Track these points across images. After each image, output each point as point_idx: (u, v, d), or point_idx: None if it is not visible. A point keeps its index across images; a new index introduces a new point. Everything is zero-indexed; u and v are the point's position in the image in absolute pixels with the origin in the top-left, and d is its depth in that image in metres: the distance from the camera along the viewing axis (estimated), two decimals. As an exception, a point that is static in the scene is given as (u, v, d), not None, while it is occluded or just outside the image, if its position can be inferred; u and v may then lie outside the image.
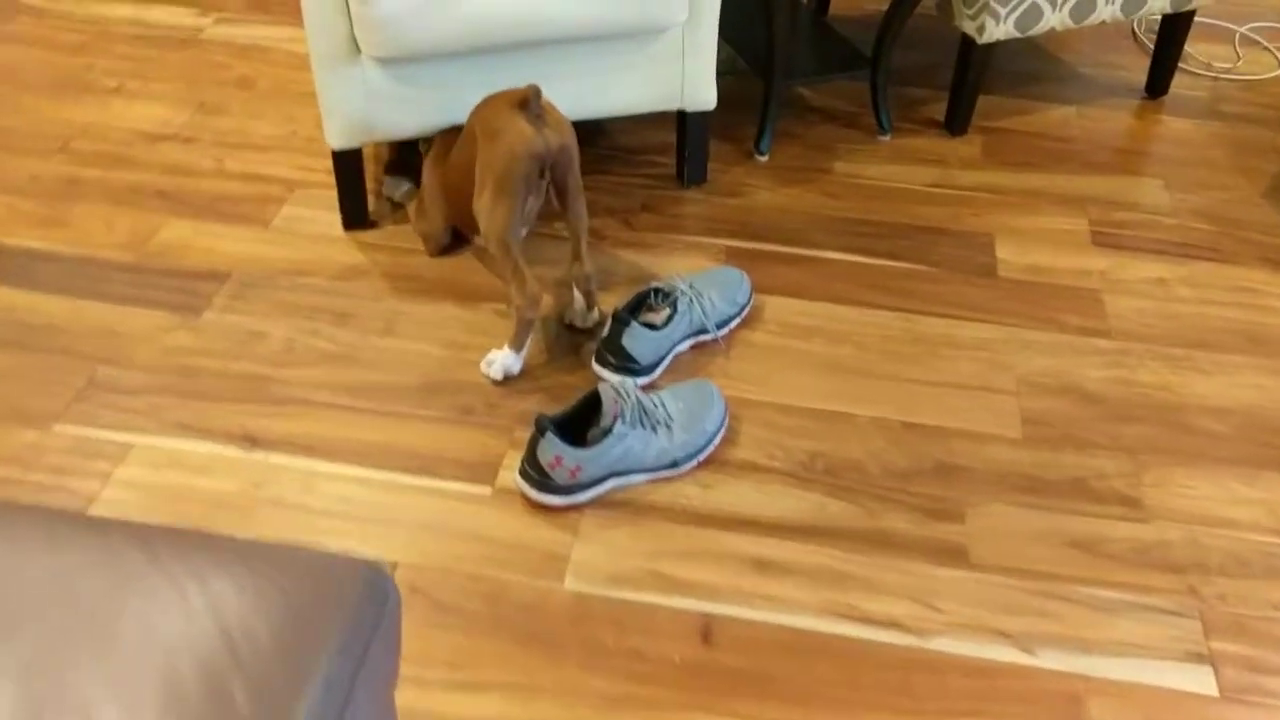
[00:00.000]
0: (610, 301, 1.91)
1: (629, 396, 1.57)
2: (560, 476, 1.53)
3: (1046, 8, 2.20)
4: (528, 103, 1.65)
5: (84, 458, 1.61)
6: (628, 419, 1.55)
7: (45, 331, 1.81)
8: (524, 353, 1.75)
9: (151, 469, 1.60)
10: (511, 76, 1.92)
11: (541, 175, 1.70)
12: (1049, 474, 1.65)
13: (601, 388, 1.56)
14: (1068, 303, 1.97)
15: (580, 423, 1.60)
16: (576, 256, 1.79)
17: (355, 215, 2.03)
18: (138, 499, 1.55)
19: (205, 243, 2.00)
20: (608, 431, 1.54)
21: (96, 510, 1.53)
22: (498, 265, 1.71)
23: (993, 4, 2.15)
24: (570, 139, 1.71)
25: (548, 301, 1.89)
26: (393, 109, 1.90)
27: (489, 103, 1.74)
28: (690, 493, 1.60)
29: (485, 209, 1.68)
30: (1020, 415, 1.75)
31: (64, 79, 2.43)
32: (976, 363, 1.84)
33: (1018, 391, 1.79)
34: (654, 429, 1.58)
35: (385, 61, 1.84)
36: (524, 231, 1.78)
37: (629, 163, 2.26)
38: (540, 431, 1.51)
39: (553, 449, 1.51)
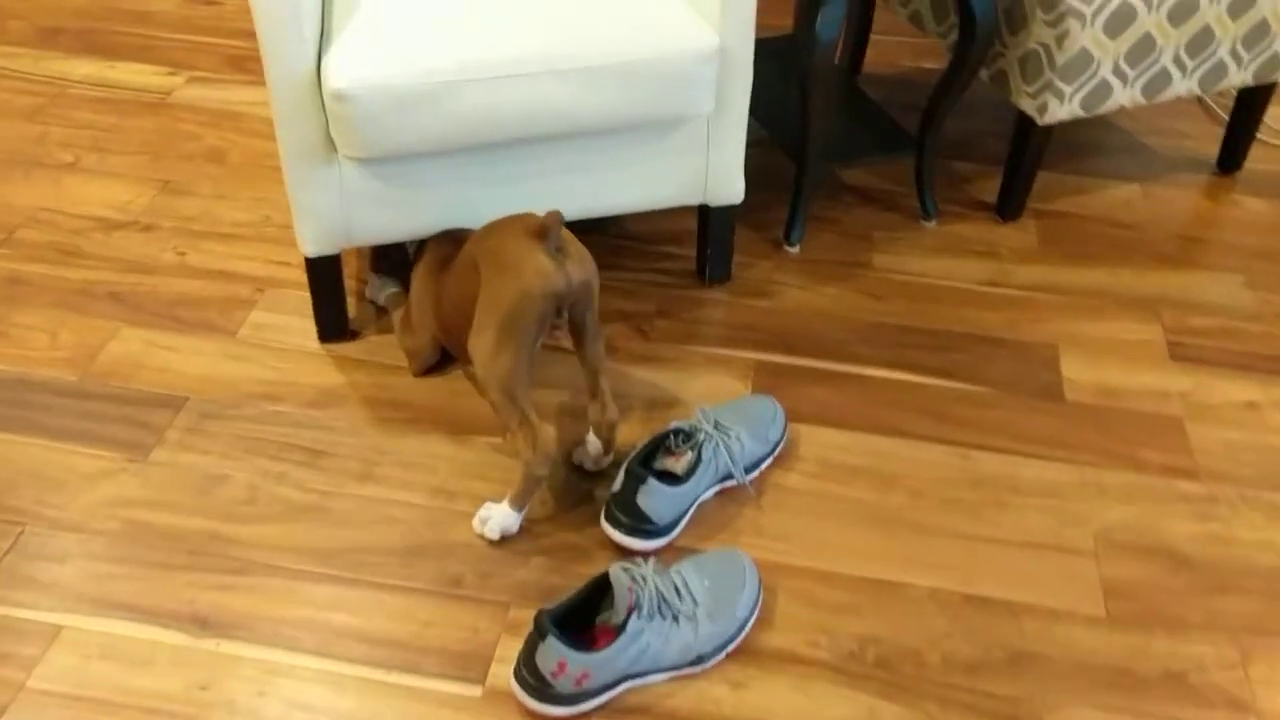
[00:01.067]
0: (624, 433, 1.66)
1: (646, 582, 1.33)
2: (564, 685, 1.28)
3: (1116, 84, 1.95)
4: (547, 233, 1.41)
5: (2, 645, 1.36)
6: (645, 611, 1.30)
7: (-32, 477, 1.56)
8: (525, 510, 1.50)
9: (81, 660, 1.35)
10: (510, 172, 1.67)
11: (559, 315, 1.45)
12: (1139, 665, 1.40)
13: (613, 573, 1.31)
14: (1146, 434, 1.71)
15: (588, 605, 1.36)
16: (596, 399, 1.54)
17: (332, 325, 1.78)
18: (60, 708, 1.30)
19: (160, 358, 1.75)
20: (620, 628, 1.29)
21: (9, 719, 1.29)
22: (499, 414, 1.47)
23: (1057, 82, 1.90)
24: (593, 273, 1.47)
25: (554, 435, 1.64)
26: (374, 212, 1.65)
27: (496, 230, 1.49)
28: (719, 695, 1.35)
29: (486, 353, 1.43)
30: (1101, 584, 1.49)
31: (14, 151, 2.19)
32: (1046, 514, 1.58)
33: (1096, 552, 1.54)
34: (675, 619, 1.33)
35: (365, 161, 1.60)
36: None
37: (642, 254, 2.02)
38: (540, 634, 1.27)
39: (555, 655, 1.26)
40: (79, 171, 2.13)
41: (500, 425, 1.57)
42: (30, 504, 1.53)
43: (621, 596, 1.30)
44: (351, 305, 1.85)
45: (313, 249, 1.68)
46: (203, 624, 1.39)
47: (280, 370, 1.74)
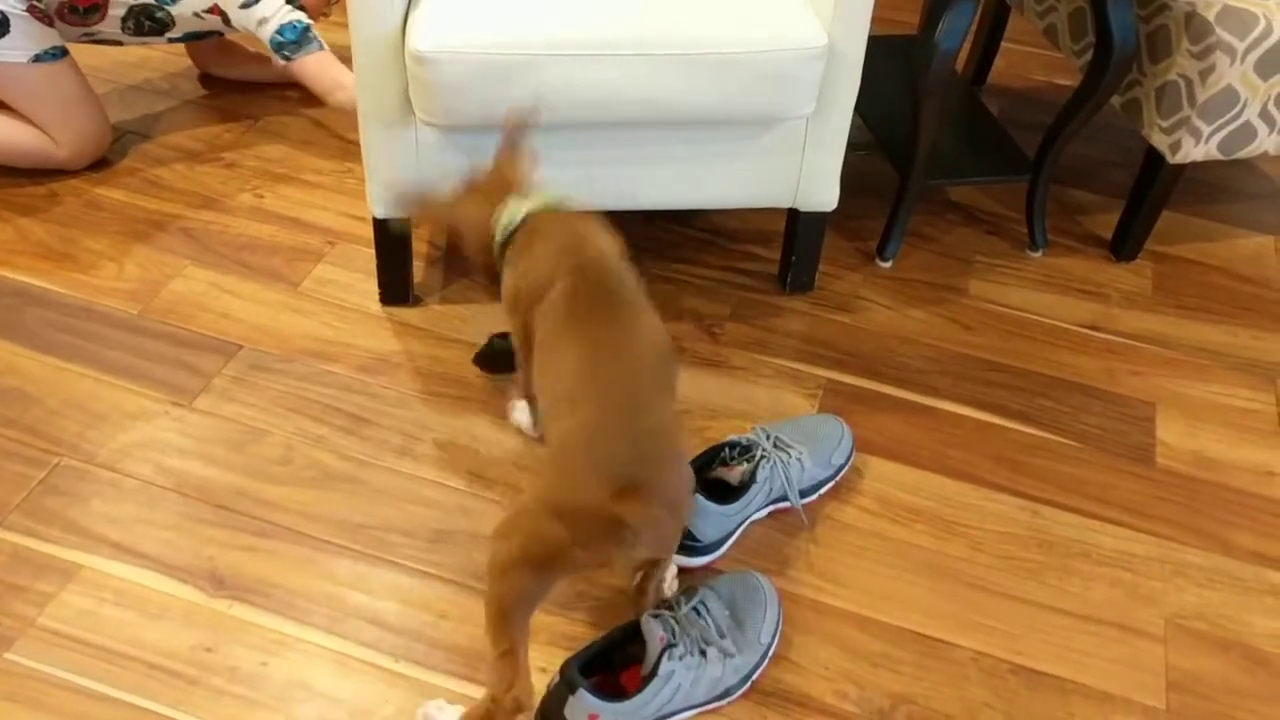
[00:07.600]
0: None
1: (678, 626, 1.24)
2: (586, 725, 1.21)
3: (1261, 129, 1.79)
4: (626, 527, 1.10)
5: (20, 577, 1.35)
6: (676, 652, 1.23)
7: (14, 400, 1.55)
8: None
9: (95, 603, 1.33)
10: (590, 155, 1.59)
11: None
12: (1196, 771, 1.29)
13: (645, 624, 1.23)
14: (1240, 514, 1.58)
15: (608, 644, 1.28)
16: (643, 592, 1.34)
17: (395, 289, 1.74)
18: (65, 650, 1.28)
19: (221, 302, 1.73)
20: (652, 672, 1.22)
21: (15, 655, 1.27)
22: (486, 627, 1.15)
23: (1195, 119, 1.75)
24: (670, 546, 1.29)
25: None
26: (448, 180, 1.59)
27: (595, 318, 1.22)
28: (732, 736, 1.28)
29: (499, 555, 1.13)
30: (1165, 674, 1.37)
31: (119, 76, 2.18)
32: (1116, 588, 1.46)
33: (1165, 638, 1.41)
34: (704, 654, 1.25)
35: (443, 128, 1.54)
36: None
37: (724, 251, 1.92)
38: (570, 688, 1.18)
39: (587, 708, 1.17)
40: (175, 98, 2.12)
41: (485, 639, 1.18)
42: (71, 436, 1.51)
43: (653, 646, 1.22)
44: (418, 270, 1.80)
45: (382, 211, 1.63)
46: (219, 583, 1.37)
47: (337, 329, 1.70)
